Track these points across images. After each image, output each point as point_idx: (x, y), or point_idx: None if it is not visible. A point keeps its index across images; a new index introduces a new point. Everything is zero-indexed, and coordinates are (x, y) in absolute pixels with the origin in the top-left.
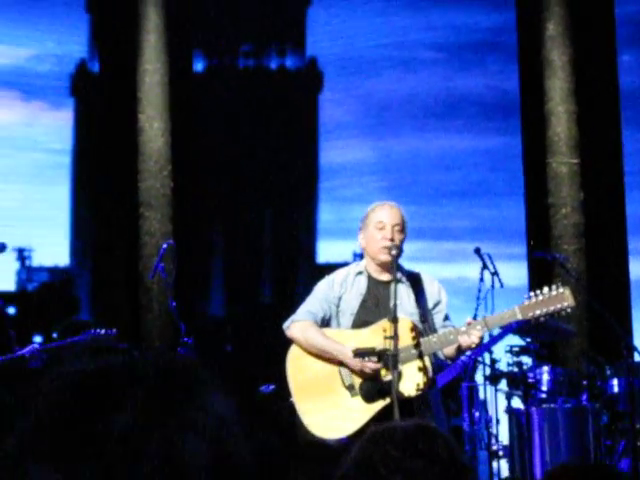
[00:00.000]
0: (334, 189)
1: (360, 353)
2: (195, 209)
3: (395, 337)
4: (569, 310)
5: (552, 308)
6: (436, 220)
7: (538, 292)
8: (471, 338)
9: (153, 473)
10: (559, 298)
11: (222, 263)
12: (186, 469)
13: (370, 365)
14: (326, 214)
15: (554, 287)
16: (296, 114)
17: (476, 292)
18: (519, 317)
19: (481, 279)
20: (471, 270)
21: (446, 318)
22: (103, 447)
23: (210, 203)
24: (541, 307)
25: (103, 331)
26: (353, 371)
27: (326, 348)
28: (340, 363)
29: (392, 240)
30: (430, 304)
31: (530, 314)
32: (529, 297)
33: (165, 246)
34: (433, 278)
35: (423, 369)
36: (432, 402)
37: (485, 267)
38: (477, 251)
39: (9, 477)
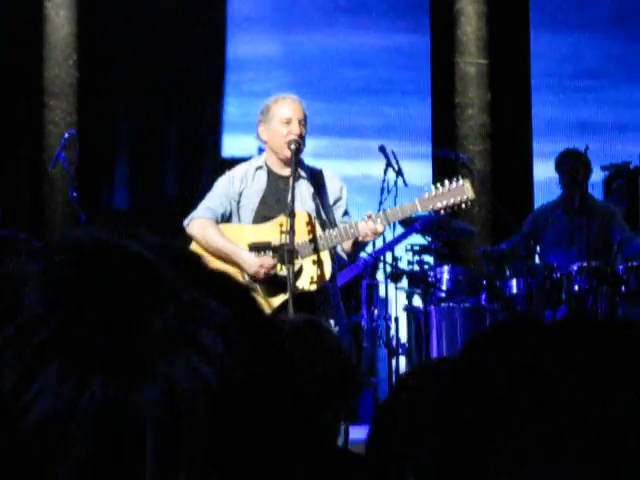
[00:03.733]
0: (241, 83)
1: (256, 247)
2: (101, 101)
3: (291, 232)
4: (469, 203)
5: (452, 200)
6: (342, 117)
7: (438, 185)
8: (369, 225)
9: (158, 398)
10: (459, 190)
11: (127, 155)
12: (188, 398)
13: (267, 261)
14: (233, 108)
15: (454, 180)
16: (204, 7)
17: (380, 190)
18: (419, 209)
19: (385, 177)
20: (376, 168)
21: (345, 214)
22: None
23: (116, 95)
24: (441, 199)
25: None
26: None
27: (222, 248)
28: None
29: (300, 135)
30: (331, 200)
31: (430, 206)
32: (429, 190)
33: (67, 136)
34: (335, 175)
35: (321, 263)
36: (332, 299)
37: (389, 165)
38: (382, 149)
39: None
